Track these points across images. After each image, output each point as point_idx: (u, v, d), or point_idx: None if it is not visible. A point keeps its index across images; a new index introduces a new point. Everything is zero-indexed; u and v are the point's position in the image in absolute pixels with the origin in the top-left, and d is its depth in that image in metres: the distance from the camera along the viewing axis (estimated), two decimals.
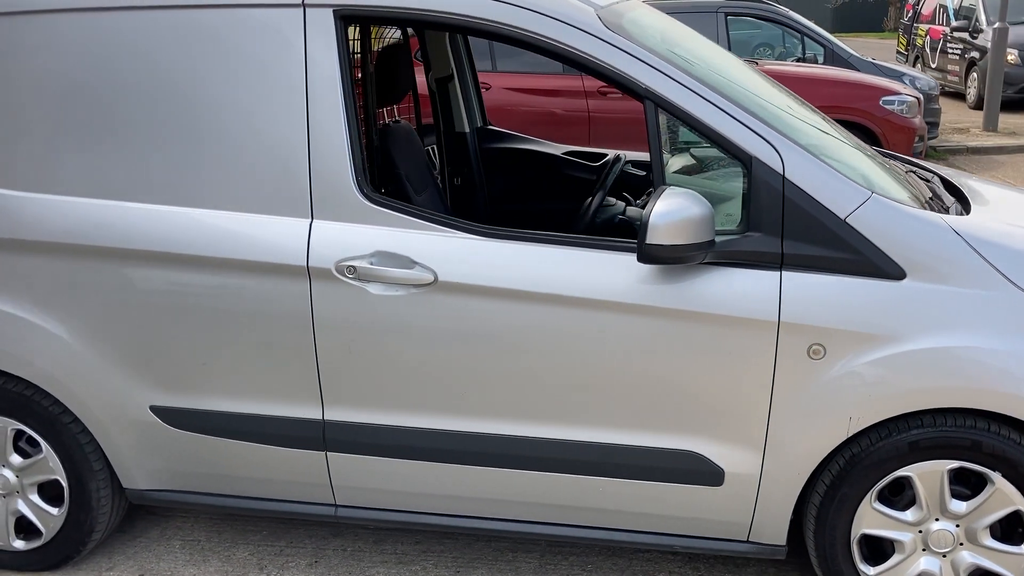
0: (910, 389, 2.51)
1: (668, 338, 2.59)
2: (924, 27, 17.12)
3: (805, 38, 9.67)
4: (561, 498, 2.81)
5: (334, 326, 2.74)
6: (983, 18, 14.46)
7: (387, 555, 3.27)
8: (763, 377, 2.58)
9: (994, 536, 2.65)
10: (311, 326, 2.75)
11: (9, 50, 2.83)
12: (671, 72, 2.60)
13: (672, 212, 2.41)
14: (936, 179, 3.28)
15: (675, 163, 3.00)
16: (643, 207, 3.68)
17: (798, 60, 9.67)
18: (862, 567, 2.73)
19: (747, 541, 2.80)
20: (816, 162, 2.56)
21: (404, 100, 3.91)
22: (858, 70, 9.06)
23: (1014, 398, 2.47)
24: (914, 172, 3.33)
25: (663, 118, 2.61)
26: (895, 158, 3.59)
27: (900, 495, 2.69)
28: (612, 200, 3.56)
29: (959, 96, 15.22)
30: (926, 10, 17.34)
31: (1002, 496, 2.58)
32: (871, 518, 2.67)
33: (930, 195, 2.97)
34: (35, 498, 3.12)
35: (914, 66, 16.81)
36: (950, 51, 15.62)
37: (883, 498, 2.68)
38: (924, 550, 2.68)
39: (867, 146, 3.25)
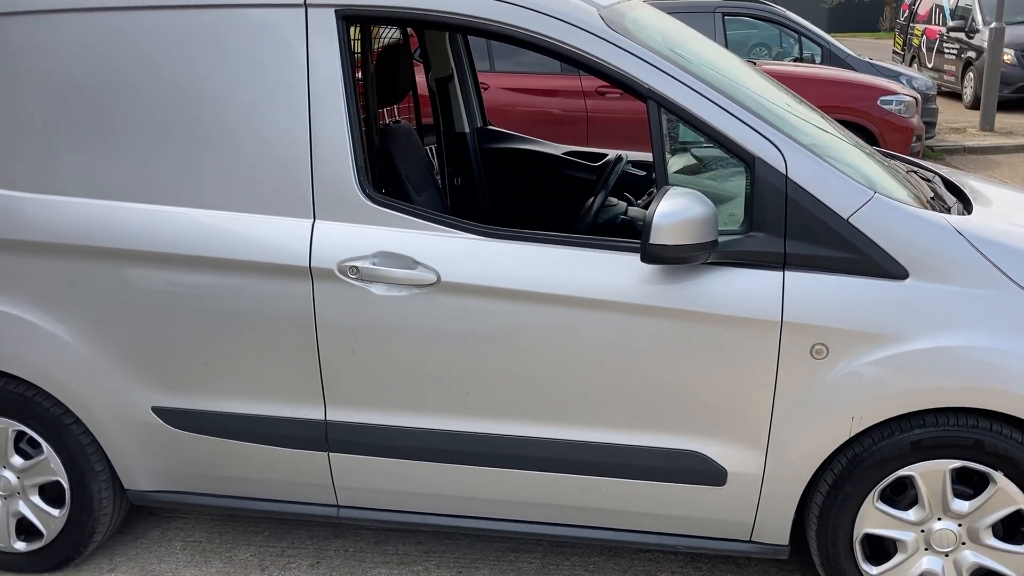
0: (912, 389, 2.51)
1: (671, 338, 2.59)
2: (920, 27, 17.15)
3: (802, 38, 9.68)
4: (564, 498, 2.81)
5: (337, 326, 2.74)
6: (979, 18, 14.49)
7: (389, 556, 3.27)
8: (766, 377, 2.58)
9: (996, 535, 2.66)
10: (313, 327, 2.75)
11: (10, 50, 2.83)
12: (674, 72, 2.60)
13: (676, 212, 2.41)
14: (937, 179, 3.28)
15: (676, 163, 3.00)
16: (645, 207, 3.68)
17: (795, 60, 9.68)
18: (865, 567, 2.73)
19: (750, 541, 2.80)
20: (819, 162, 2.56)
21: (404, 100, 3.91)
22: (855, 70, 9.08)
23: (1016, 397, 2.48)
24: (915, 172, 3.34)
25: (665, 118, 2.61)
26: (895, 158, 3.59)
27: (902, 494, 2.69)
28: (614, 200, 3.56)
29: (955, 96, 15.25)
30: (922, 10, 17.37)
31: (1004, 495, 2.59)
32: (873, 518, 2.68)
33: (932, 195, 2.98)
34: (36, 499, 3.11)
35: (910, 66, 16.84)
36: (946, 51, 15.65)
37: (885, 498, 2.68)
38: (926, 549, 2.69)
39: (868, 146, 3.25)
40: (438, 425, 2.78)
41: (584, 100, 7.83)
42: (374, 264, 2.68)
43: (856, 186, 2.56)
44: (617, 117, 7.79)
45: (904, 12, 18.80)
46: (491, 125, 4.56)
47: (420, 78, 4.26)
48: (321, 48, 2.69)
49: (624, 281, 2.59)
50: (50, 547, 3.15)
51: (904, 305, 2.51)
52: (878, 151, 3.41)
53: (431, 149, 4.39)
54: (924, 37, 16.84)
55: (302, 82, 2.70)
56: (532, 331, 2.65)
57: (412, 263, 2.67)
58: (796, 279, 2.53)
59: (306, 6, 2.70)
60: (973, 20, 14.69)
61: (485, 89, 7.51)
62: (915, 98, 8.04)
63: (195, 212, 2.78)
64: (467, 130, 4.35)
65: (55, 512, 3.10)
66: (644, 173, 4.14)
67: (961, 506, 2.62)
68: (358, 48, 3.57)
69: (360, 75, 3.53)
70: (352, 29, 3.45)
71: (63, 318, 2.88)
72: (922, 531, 2.67)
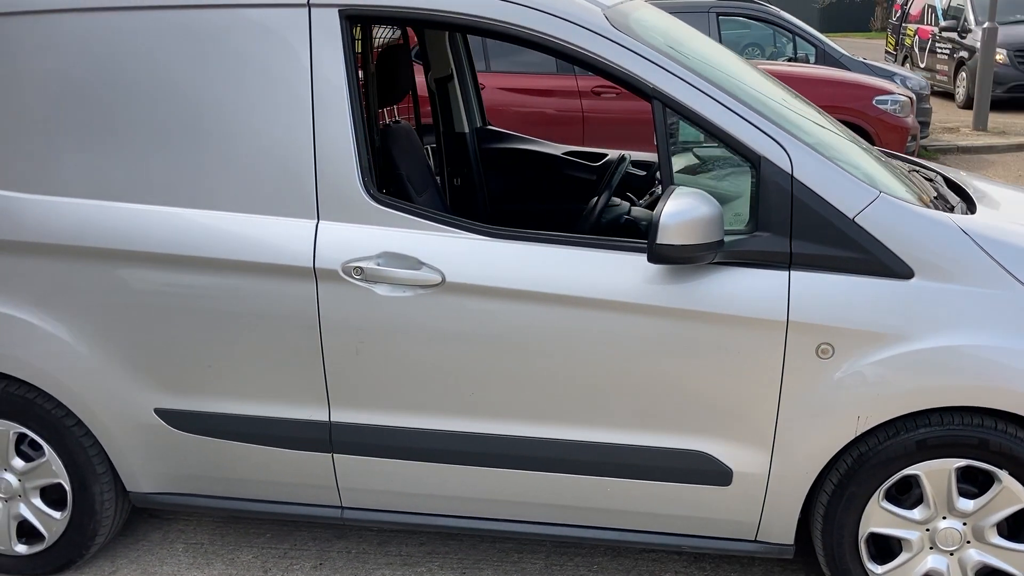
0: (918, 388, 2.52)
1: (677, 338, 2.59)
2: (913, 27, 17.20)
3: (796, 38, 9.70)
4: (568, 499, 2.81)
5: (341, 327, 2.73)
6: (971, 18, 14.54)
7: (392, 557, 3.27)
8: (772, 377, 2.58)
9: (1001, 534, 2.66)
10: (317, 327, 2.74)
11: (10, 50, 2.81)
12: (679, 72, 2.60)
13: (682, 212, 2.41)
14: (939, 178, 3.29)
15: (679, 162, 3.01)
16: (647, 207, 3.68)
17: (789, 60, 9.70)
18: (870, 566, 2.74)
19: (755, 541, 2.80)
20: (824, 161, 2.56)
21: (403, 100, 3.90)
22: (850, 70, 9.10)
23: (1021, 396, 2.48)
24: (916, 171, 3.34)
25: (670, 118, 2.61)
26: (897, 158, 3.60)
27: (907, 494, 2.69)
28: (617, 200, 3.56)
29: (948, 96, 15.30)
30: (914, 10, 17.42)
31: (1009, 494, 2.59)
32: (879, 517, 2.68)
33: (935, 194, 2.98)
34: (37, 502, 3.09)
35: (903, 66, 16.89)
36: (939, 51, 15.69)
37: (890, 497, 2.68)
38: (931, 548, 2.69)
39: (870, 145, 3.25)
40: (442, 426, 2.78)
41: (580, 100, 7.83)
42: (378, 265, 2.68)
43: (861, 185, 2.56)
44: (613, 117, 7.78)
45: (896, 12, 18.85)
46: (490, 125, 4.55)
47: (419, 78, 4.24)
48: (324, 48, 2.69)
49: (630, 281, 2.59)
50: (51, 550, 3.13)
51: (910, 304, 2.51)
52: (880, 151, 3.41)
53: (430, 149, 4.38)
54: (916, 37, 16.89)
55: (305, 82, 2.69)
56: (537, 331, 2.65)
57: (417, 263, 2.67)
58: (802, 279, 2.54)
59: (309, 6, 2.69)
60: (965, 20, 14.73)
61: (481, 89, 7.49)
62: (910, 98, 8.06)
63: (196, 213, 2.77)
64: (467, 130, 4.34)
65: (56, 514, 3.09)
66: (644, 173, 4.14)
67: (966, 505, 2.63)
68: (359, 48, 3.55)
69: (360, 75, 3.52)
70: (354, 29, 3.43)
71: (65, 320, 2.87)
72: (927, 530, 2.67)
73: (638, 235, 3.44)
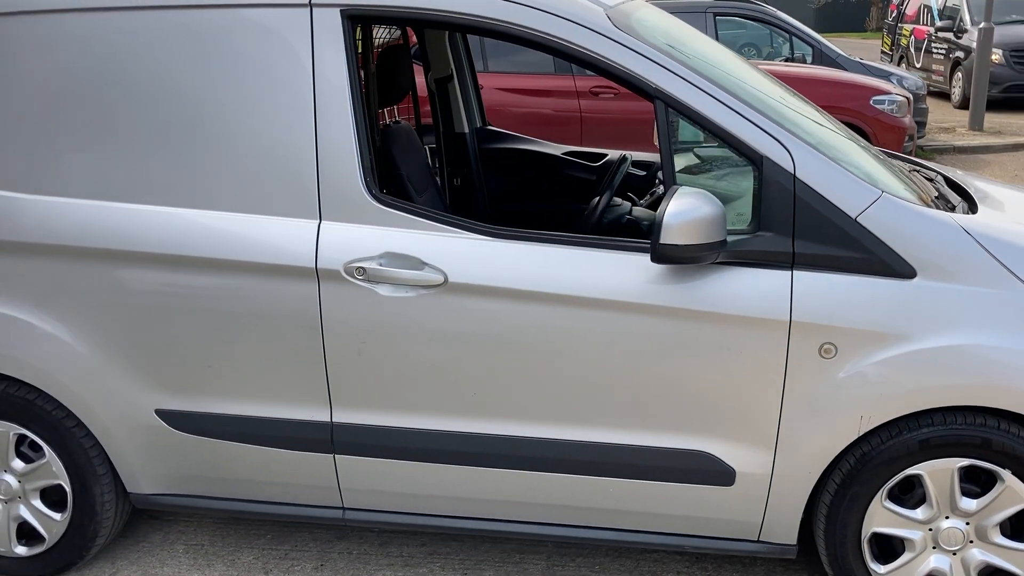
0: (921, 387, 2.52)
1: (679, 338, 2.59)
2: (908, 27, 17.23)
3: (793, 38, 9.71)
4: (571, 499, 2.80)
5: (343, 328, 2.72)
6: (967, 18, 14.57)
7: (393, 558, 3.26)
8: (774, 376, 2.58)
9: (1004, 533, 2.66)
10: (319, 328, 2.73)
11: (11, 50, 2.80)
12: (681, 72, 2.60)
13: (686, 212, 2.41)
14: (939, 178, 3.29)
15: (679, 162, 3.00)
16: (648, 207, 3.68)
17: (786, 60, 9.71)
18: (873, 566, 2.74)
19: (758, 541, 2.80)
20: (826, 161, 2.56)
21: (403, 100, 3.90)
22: (847, 70, 9.11)
23: None
24: (917, 171, 3.35)
25: (672, 118, 2.60)
26: (897, 158, 3.60)
27: (910, 493, 2.69)
28: (618, 200, 3.56)
29: (944, 96, 15.32)
30: (910, 10, 17.46)
31: (1012, 494, 2.59)
32: (882, 517, 2.68)
33: (935, 194, 2.98)
34: (37, 503, 3.08)
35: (899, 66, 16.91)
36: (934, 51, 15.72)
37: (893, 496, 2.68)
38: (934, 548, 2.69)
39: (871, 145, 3.26)
40: (445, 426, 2.77)
41: (578, 100, 7.83)
42: (381, 265, 2.67)
43: (864, 185, 2.56)
44: (611, 117, 7.78)
45: (892, 12, 18.88)
46: (490, 125, 4.55)
47: (419, 79, 4.24)
48: (326, 48, 2.68)
49: (632, 281, 2.59)
50: (52, 551, 3.12)
51: (912, 304, 2.51)
52: (880, 151, 3.41)
53: (429, 150, 4.37)
54: (912, 37, 16.92)
55: (307, 82, 2.69)
56: (540, 332, 2.64)
57: (419, 264, 2.66)
58: (804, 278, 2.54)
59: (311, 6, 2.68)
60: (961, 20, 14.76)
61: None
62: (907, 98, 8.07)
63: (197, 213, 2.76)
64: (466, 130, 4.34)
65: (57, 516, 3.07)
66: (644, 173, 4.13)
67: (969, 504, 2.63)
68: (359, 48, 3.55)
69: (361, 75, 3.51)
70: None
71: (66, 320, 2.86)
72: (930, 530, 2.67)
73: (640, 235, 3.44)
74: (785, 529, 2.75)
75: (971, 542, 2.67)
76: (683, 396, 2.64)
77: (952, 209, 2.80)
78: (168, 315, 2.81)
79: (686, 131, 3.02)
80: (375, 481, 2.87)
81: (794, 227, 2.53)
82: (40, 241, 2.82)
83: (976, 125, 12.25)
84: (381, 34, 4.00)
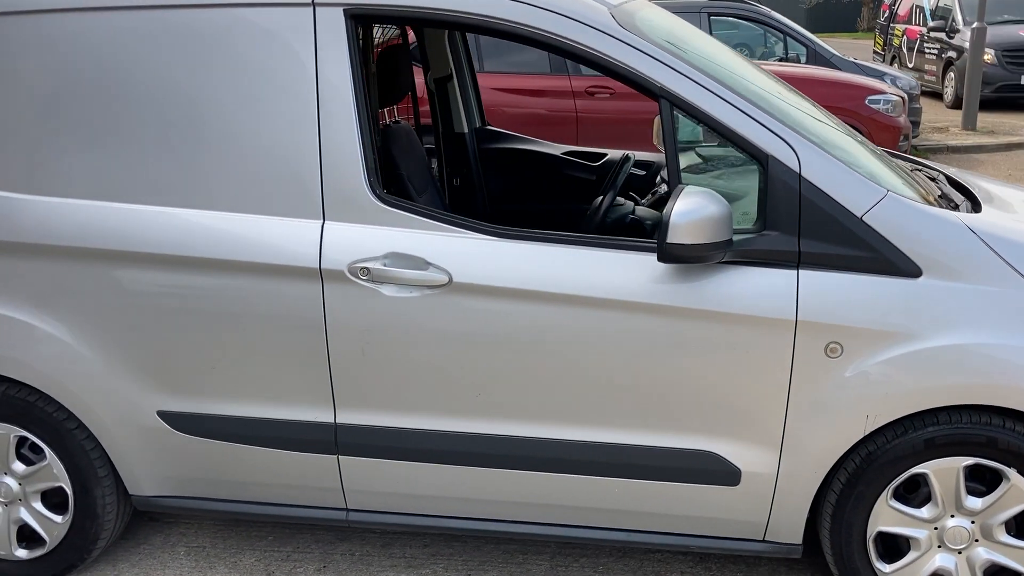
0: (926, 386, 2.52)
1: (685, 338, 2.58)
2: (901, 27, 17.28)
3: (787, 38, 9.72)
4: (576, 499, 2.80)
5: (347, 328, 2.71)
6: (959, 18, 14.61)
7: (396, 559, 3.25)
8: (780, 376, 2.58)
9: (1010, 532, 2.67)
10: (323, 328, 2.72)
11: (11, 50, 2.78)
12: (686, 71, 2.60)
13: (692, 211, 2.40)
14: (942, 177, 3.29)
15: (682, 162, 2.99)
16: (651, 206, 3.68)
17: (781, 60, 9.72)
18: (878, 565, 2.74)
19: (763, 540, 2.80)
20: (832, 160, 2.56)
21: (402, 100, 3.88)
22: (841, 70, 9.12)
23: None
24: (919, 171, 3.35)
25: (677, 117, 2.60)
26: (900, 157, 3.60)
27: (915, 492, 2.69)
28: (621, 200, 3.55)
29: (936, 95, 15.37)
30: (902, 10, 17.50)
31: (1017, 492, 2.59)
32: (887, 516, 2.68)
33: (939, 193, 2.99)
34: (38, 506, 3.06)
35: (891, 66, 16.95)
36: (927, 51, 15.77)
37: (899, 495, 2.68)
38: (940, 547, 2.69)
39: (873, 145, 3.26)
40: (450, 427, 2.76)
41: (574, 100, 7.83)
42: (385, 265, 2.66)
43: (869, 184, 2.56)
44: (607, 117, 7.78)
45: (884, 12, 18.93)
46: (489, 125, 4.54)
47: (418, 79, 4.23)
48: (329, 48, 2.67)
49: (638, 281, 2.58)
50: (52, 554, 3.10)
51: (918, 303, 2.51)
52: (883, 150, 3.41)
53: (427, 150, 4.36)
54: (904, 37, 16.97)
55: (310, 82, 2.67)
56: (544, 332, 2.64)
57: (423, 264, 2.65)
58: (810, 278, 2.53)
59: (314, 5, 2.67)
60: (953, 20, 14.81)
61: None
62: (902, 97, 8.09)
63: (199, 214, 2.75)
64: (466, 130, 4.32)
65: (58, 518, 3.05)
66: (644, 173, 4.13)
67: (974, 503, 2.63)
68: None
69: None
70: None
71: (67, 321, 2.84)
72: (935, 528, 2.67)
73: (643, 234, 3.44)
74: (791, 529, 2.75)
75: (976, 541, 2.67)
76: (689, 396, 2.63)
77: (956, 208, 2.80)
78: (170, 316, 2.80)
79: (685, 131, 3.02)
80: (379, 482, 2.86)
81: (800, 226, 2.53)
82: (40, 242, 2.80)
83: (969, 125, 12.28)
84: (379, 33, 3.98)
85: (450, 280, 2.63)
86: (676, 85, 2.58)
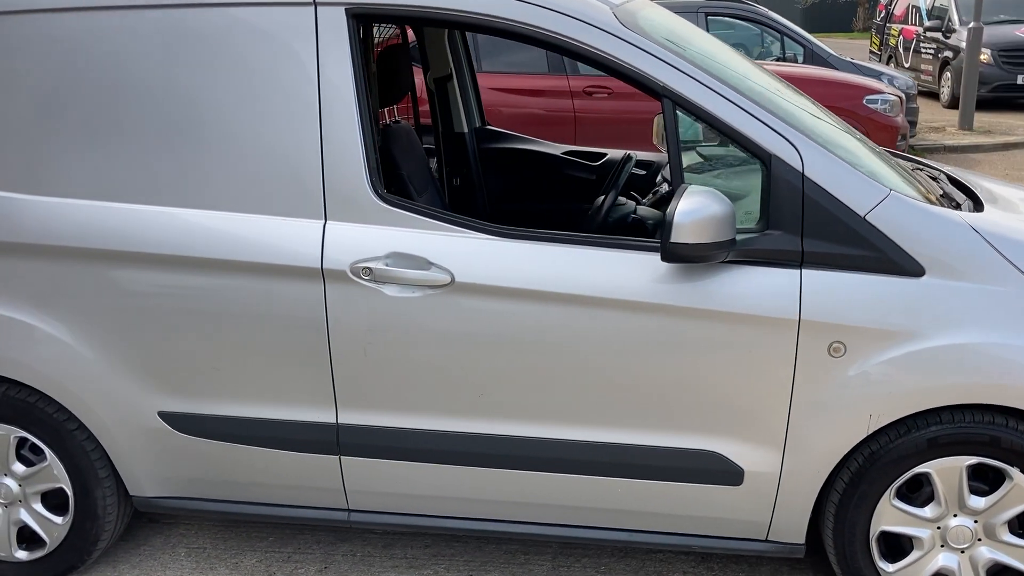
0: (929, 386, 2.52)
1: (688, 337, 2.58)
2: (897, 27, 17.30)
3: (785, 38, 9.73)
4: (579, 499, 2.79)
5: (349, 328, 2.70)
6: (955, 18, 14.64)
7: (397, 560, 3.24)
8: (783, 375, 2.57)
9: (1012, 531, 2.67)
10: (325, 328, 2.71)
11: (11, 50, 2.77)
12: (688, 70, 2.59)
13: (696, 210, 2.40)
14: (943, 176, 3.29)
15: (686, 161, 2.99)
16: (652, 206, 3.67)
17: (778, 60, 9.72)
18: (881, 564, 2.73)
19: (766, 540, 2.79)
20: (835, 159, 2.56)
21: (402, 100, 3.88)
22: (838, 69, 9.13)
23: None
24: (921, 170, 3.35)
25: (680, 116, 2.60)
26: (902, 157, 3.60)
27: (918, 492, 2.69)
28: (623, 200, 3.55)
29: (932, 95, 15.38)
30: (898, 10, 17.53)
31: (1020, 491, 2.59)
32: (890, 515, 2.68)
33: (941, 192, 2.99)
34: (38, 507, 3.05)
35: (887, 65, 16.97)
36: (923, 51, 15.79)
37: (902, 495, 2.68)
38: (943, 546, 2.69)
39: (875, 144, 3.26)
40: (452, 427, 2.76)
41: (572, 100, 7.82)
42: (387, 265, 2.65)
43: (872, 183, 2.56)
44: (605, 117, 7.78)
45: (880, 12, 18.96)
46: (489, 125, 4.53)
47: (418, 79, 4.22)
48: (331, 48, 2.66)
49: (641, 280, 2.58)
50: (52, 556, 3.09)
51: (921, 302, 2.51)
52: (885, 150, 3.41)
53: (427, 150, 4.36)
54: (901, 37, 16.99)
55: (312, 82, 2.67)
56: (547, 331, 2.63)
57: (426, 264, 2.64)
58: (813, 277, 2.53)
59: (316, 5, 2.66)
60: (949, 20, 14.83)
61: None
62: (900, 97, 8.10)
63: (200, 214, 2.74)
64: (466, 130, 4.32)
65: (58, 520, 3.04)
66: (644, 172, 4.13)
67: (977, 502, 2.63)
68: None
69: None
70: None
71: (67, 322, 2.83)
72: (938, 528, 2.67)
73: (645, 234, 3.43)
74: (794, 528, 2.74)
75: (979, 540, 2.67)
76: (691, 396, 2.63)
77: (958, 207, 2.80)
78: (171, 316, 2.79)
79: (686, 130, 3.01)
80: (381, 482, 2.85)
81: (803, 225, 2.52)
82: (40, 242, 2.79)
83: (966, 124, 12.30)
84: (378, 33, 3.98)
85: (452, 280, 2.63)
86: (679, 84, 2.57)
